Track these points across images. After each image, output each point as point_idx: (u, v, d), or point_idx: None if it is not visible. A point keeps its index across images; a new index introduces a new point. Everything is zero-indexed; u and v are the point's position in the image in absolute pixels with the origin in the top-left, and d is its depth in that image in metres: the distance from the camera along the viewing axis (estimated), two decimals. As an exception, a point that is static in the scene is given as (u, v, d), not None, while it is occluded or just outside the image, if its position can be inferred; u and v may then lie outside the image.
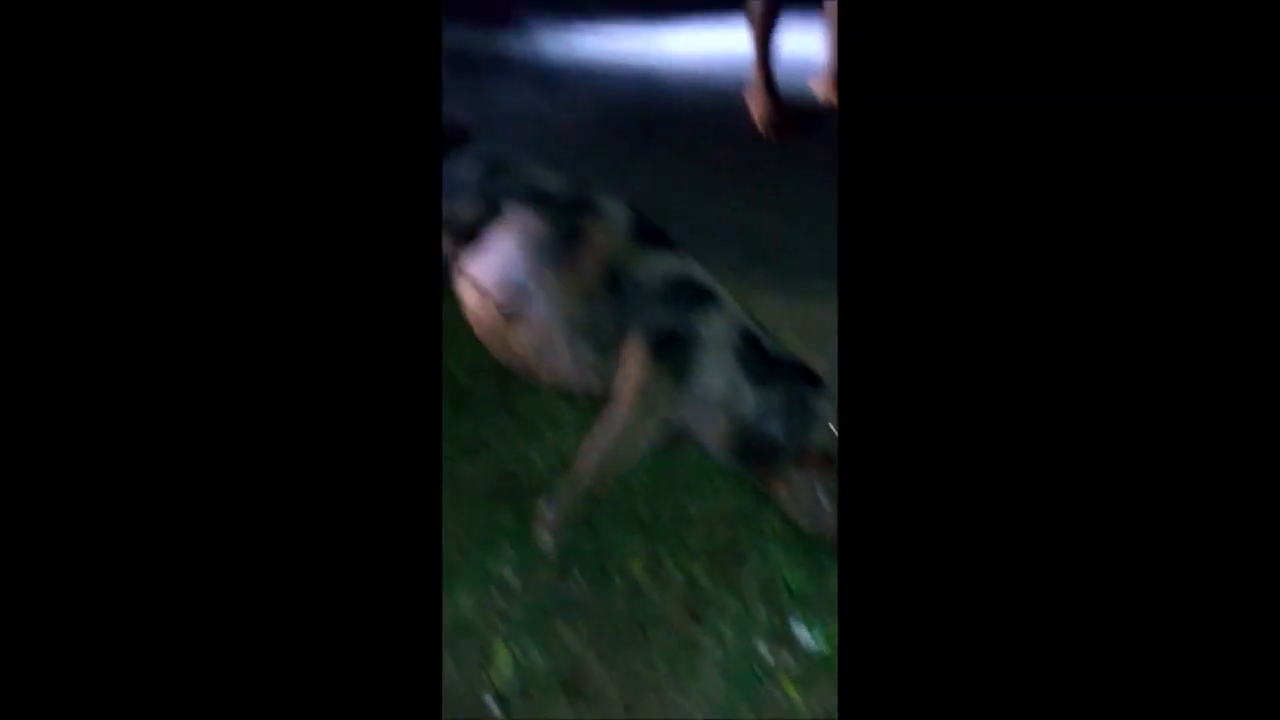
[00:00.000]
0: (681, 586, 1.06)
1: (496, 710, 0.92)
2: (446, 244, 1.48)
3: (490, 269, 1.32)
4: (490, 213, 1.40)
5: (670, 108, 2.43)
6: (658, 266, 1.22)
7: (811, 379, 1.13)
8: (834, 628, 1.00)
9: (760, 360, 1.14)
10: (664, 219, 1.35)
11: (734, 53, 2.59)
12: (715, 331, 1.15)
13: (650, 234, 1.30)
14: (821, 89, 2.47)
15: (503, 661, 0.96)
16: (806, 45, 2.56)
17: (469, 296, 1.34)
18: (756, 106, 2.34)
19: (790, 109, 2.33)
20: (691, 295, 1.19)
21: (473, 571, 1.06)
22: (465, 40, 2.62)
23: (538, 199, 1.37)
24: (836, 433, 1.08)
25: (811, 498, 1.08)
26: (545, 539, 1.10)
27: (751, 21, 2.31)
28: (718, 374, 1.13)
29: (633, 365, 1.14)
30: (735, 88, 2.41)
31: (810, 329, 1.40)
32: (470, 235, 1.40)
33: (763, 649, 0.99)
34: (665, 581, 1.07)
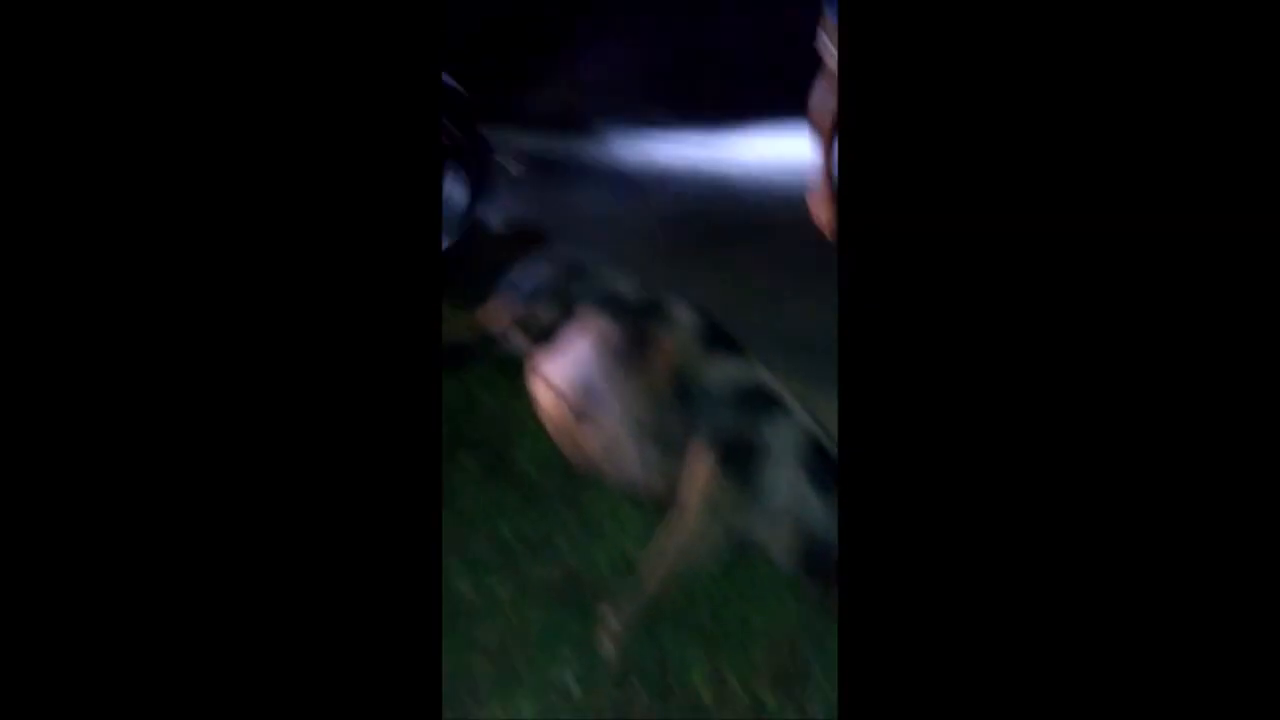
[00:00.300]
0: (743, 702, 1.03)
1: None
2: (523, 343, 1.55)
3: (564, 370, 1.37)
4: (565, 314, 1.46)
5: (738, 212, 2.51)
6: (726, 372, 1.25)
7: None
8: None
9: (828, 469, 1.14)
10: (731, 322, 1.38)
11: (799, 158, 2.67)
12: (782, 440, 1.16)
13: (719, 339, 1.34)
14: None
15: (562, 773, 0.95)
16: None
17: (542, 395, 1.39)
18: (821, 211, 2.39)
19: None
20: (759, 402, 1.21)
21: (536, 678, 1.05)
22: (544, 146, 2.80)
23: (611, 303, 1.43)
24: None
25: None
26: (608, 648, 1.09)
27: (816, 128, 2.40)
28: (784, 483, 1.13)
29: (699, 473, 1.15)
30: (801, 193, 2.48)
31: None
32: (546, 336, 1.47)
33: (828, 777, 0.95)
34: (727, 696, 1.04)
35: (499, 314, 1.61)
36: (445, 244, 2.04)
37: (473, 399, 1.54)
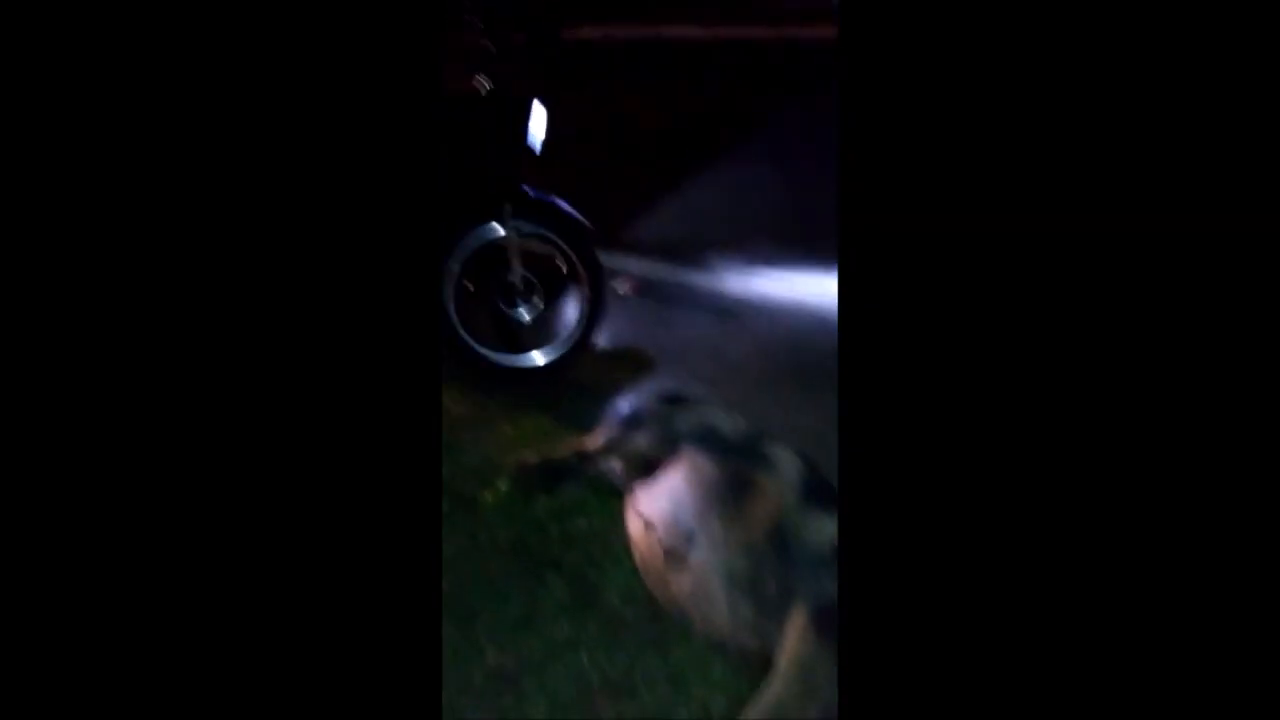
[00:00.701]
0: None
1: None
2: (620, 469, 1.57)
3: (658, 504, 1.37)
4: (667, 448, 1.48)
5: (830, 347, 2.51)
6: (827, 530, 1.22)
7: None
8: None
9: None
10: (831, 463, 1.35)
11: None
12: (884, 610, 1.11)
13: (821, 491, 1.31)
14: None
15: None
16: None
17: (635, 527, 1.39)
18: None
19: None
20: (860, 565, 1.17)
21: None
22: (653, 272, 2.92)
23: (713, 441, 1.44)
24: None
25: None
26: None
27: None
28: (884, 658, 1.07)
29: (794, 638, 1.11)
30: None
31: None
32: (646, 467, 1.48)
33: None
34: None
35: (597, 436, 1.65)
36: (552, 357, 2.13)
37: (566, 521, 1.55)
